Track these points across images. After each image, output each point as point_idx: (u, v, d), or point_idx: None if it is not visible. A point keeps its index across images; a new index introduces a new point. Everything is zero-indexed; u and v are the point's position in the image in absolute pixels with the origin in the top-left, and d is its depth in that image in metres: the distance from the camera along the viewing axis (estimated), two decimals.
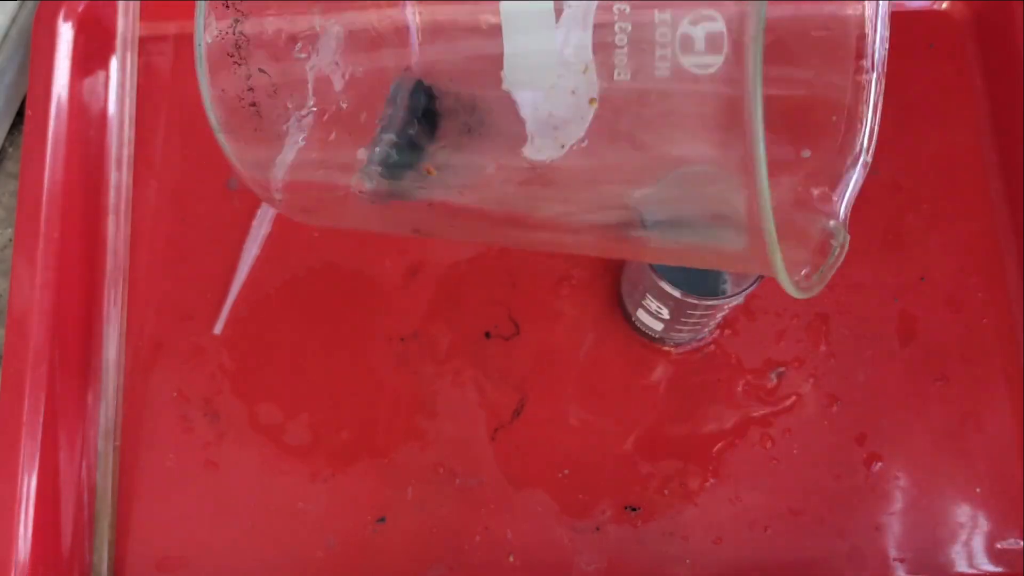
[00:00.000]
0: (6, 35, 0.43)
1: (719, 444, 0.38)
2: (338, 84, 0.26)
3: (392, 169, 0.26)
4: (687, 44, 0.23)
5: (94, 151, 0.42)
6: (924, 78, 0.43)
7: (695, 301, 0.32)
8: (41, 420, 0.37)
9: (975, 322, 0.39)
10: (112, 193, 0.41)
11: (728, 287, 0.35)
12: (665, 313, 0.35)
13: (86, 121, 0.42)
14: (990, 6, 0.43)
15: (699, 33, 0.23)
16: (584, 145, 0.24)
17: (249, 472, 0.39)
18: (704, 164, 0.24)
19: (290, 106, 0.26)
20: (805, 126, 0.28)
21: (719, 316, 0.36)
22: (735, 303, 0.33)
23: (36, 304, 0.38)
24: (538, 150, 0.24)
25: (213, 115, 0.26)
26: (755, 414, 0.39)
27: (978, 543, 0.37)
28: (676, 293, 0.32)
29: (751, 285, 0.32)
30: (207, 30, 0.25)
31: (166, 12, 0.43)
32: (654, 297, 0.34)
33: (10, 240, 0.43)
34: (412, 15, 0.25)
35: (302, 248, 0.41)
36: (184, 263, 0.41)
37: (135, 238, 0.41)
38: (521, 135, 0.24)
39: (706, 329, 0.38)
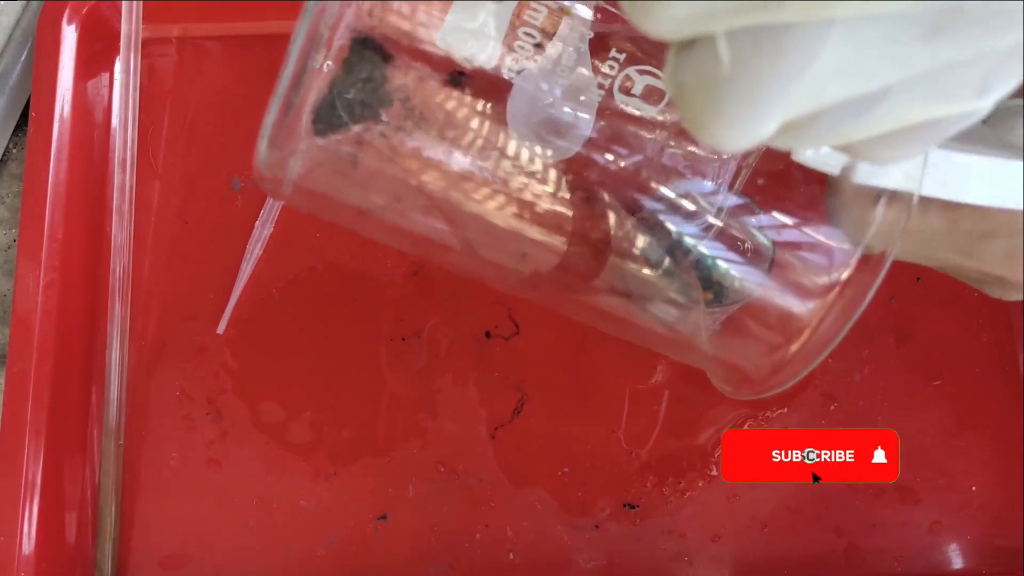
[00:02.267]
0: (10, 37, 0.43)
1: (717, 442, 0.38)
2: None
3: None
4: (625, 86, 0.24)
5: (98, 153, 0.42)
6: None
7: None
8: (45, 419, 0.38)
9: (972, 322, 0.40)
10: (116, 194, 0.41)
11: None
12: None
13: (90, 123, 0.42)
14: None
15: (640, 83, 0.24)
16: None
17: (251, 470, 0.39)
18: None
19: None
20: None
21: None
22: (737, 307, 0.33)
23: (40, 304, 0.38)
24: None
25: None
26: (753, 413, 0.39)
27: (975, 541, 0.37)
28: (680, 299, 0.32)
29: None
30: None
31: (169, 14, 0.43)
32: None
33: (14, 241, 0.43)
34: None
35: (304, 248, 0.41)
36: (187, 263, 0.41)
37: (138, 239, 0.41)
38: None
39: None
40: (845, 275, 0.25)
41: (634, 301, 0.28)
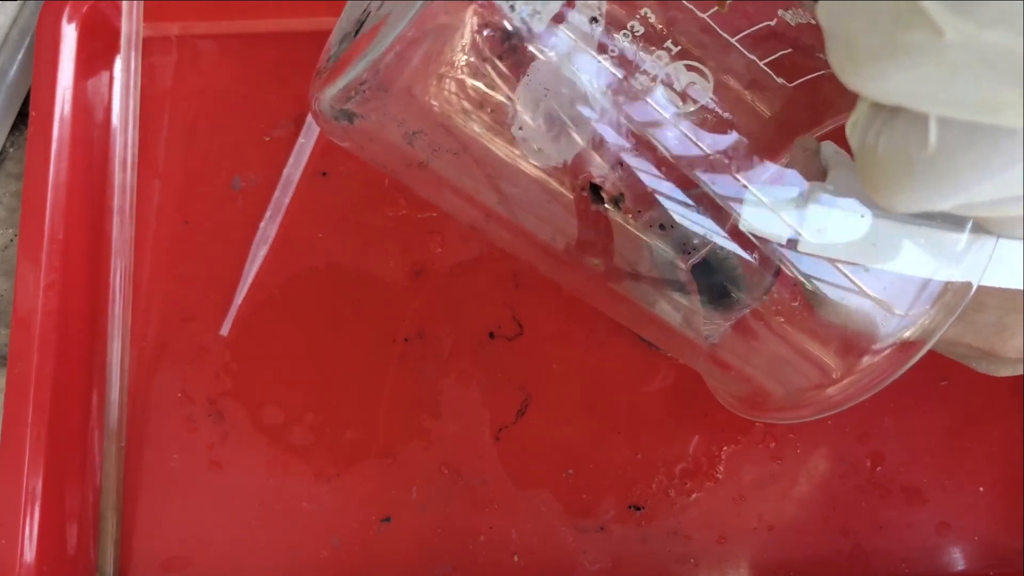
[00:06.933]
0: (7, 36, 0.43)
1: (723, 444, 0.38)
2: None
3: None
4: (667, 80, 0.24)
5: (98, 152, 0.42)
6: None
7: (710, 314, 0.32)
8: (46, 421, 0.37)
9: None
10: (116, 194, 0.41)
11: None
12: None
13: (90, 122, 0.42)
14: None
15: (683, 80, 0.24)
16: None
17: (254, 472, 0.39)
18: None
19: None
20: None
21: (726, 325, 0.36)
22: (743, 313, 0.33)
23: (41, 305, 0.38)
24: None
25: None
26: None
27: (981, 542, 0.37)
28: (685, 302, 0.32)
29: (762, 296, 0.32)
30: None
31: (169, 13, 0.43)
32: None
33: (11, 240, 0.43)
34: None
35: (305, 249, 0.41)
36: (188, 264, 0.41)
37: (139, 239, 0.41)
38: None
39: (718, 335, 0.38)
40: (908, 334, 0.25)
41: (646, 298, 0.28)
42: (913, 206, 0.18)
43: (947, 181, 0.17)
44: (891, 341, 0.25)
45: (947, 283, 0.24)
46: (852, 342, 0.26)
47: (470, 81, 0.24)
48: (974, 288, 0.24)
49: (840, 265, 0.24)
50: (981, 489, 0.38)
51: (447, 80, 0.25)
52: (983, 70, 0.15)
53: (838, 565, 0.37)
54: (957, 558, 0.37)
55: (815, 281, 0.25)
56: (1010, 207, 0.18)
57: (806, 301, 0.26)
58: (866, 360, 0.26)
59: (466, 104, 0.25)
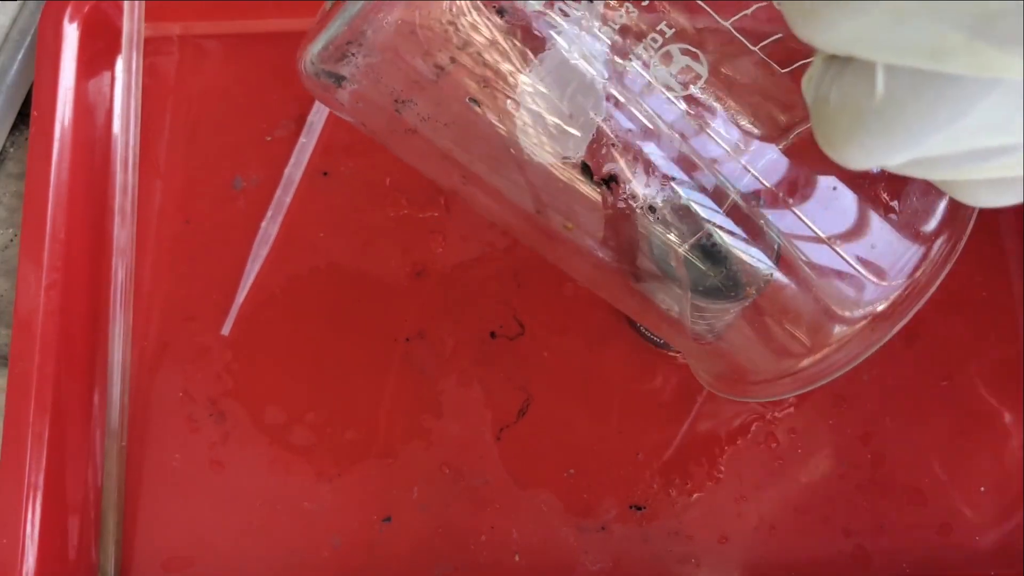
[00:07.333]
0: (7, 36, 0.43)
1: (724, 443, 0.38)
2: None
3: None
4: (663, 61, 0.24)
5: (99, 152, 0.42)
6: None
7: (702, 304, 0.32)
8: (47, 420, 0.37)
9: (980, 322, 0.39)
10: (118, 194, 0.41)
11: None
12: None
13: (92, 122, 0.42)
14: None
15: (677, 62, 0.24)
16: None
17: (255, 472, 0.39)
18: None
19: None
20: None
21: (725, 319, 0.36)
22: (742, 306, 0.33)
23: (42, 305, 0.38)
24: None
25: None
26: (760, 414, 0.39)
27: (982, 543, 0.37)
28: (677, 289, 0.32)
29: (758, 288, 0.32)
30: None
31: (171, 13, 0.43)
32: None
33: (11, 240, 0.43)
34: None
35: (306, 249, 0.41)
36: (189, 263, 0.41)
37: (140, 239, 0.41)
38: None
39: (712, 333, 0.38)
40: (881, 308, 0.25)
41: (636, 275, 0.28)
42: (866, 160, 0.18)
43: (897, 132, 0.17)
44: (864, 313, 0.25)
45: (921, 260, 0.24)
46: (825, 314, 0.26)
47: (463, 50, 0.25)
48: (947, 268, 0.24)
49: (824, 236, 0.25)
50: (982, 489, 0.38)
51: (440, 50, 0.25)
52: (929, 15, 0.15)
53: (839, 565, 0.37)
54: (958, 558, 0.37)
55: (798, 248, 0.25)
56: (971, 169, 0.18)
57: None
58: (839, 330, 0.26)
59: (462, 76, 0.25)
